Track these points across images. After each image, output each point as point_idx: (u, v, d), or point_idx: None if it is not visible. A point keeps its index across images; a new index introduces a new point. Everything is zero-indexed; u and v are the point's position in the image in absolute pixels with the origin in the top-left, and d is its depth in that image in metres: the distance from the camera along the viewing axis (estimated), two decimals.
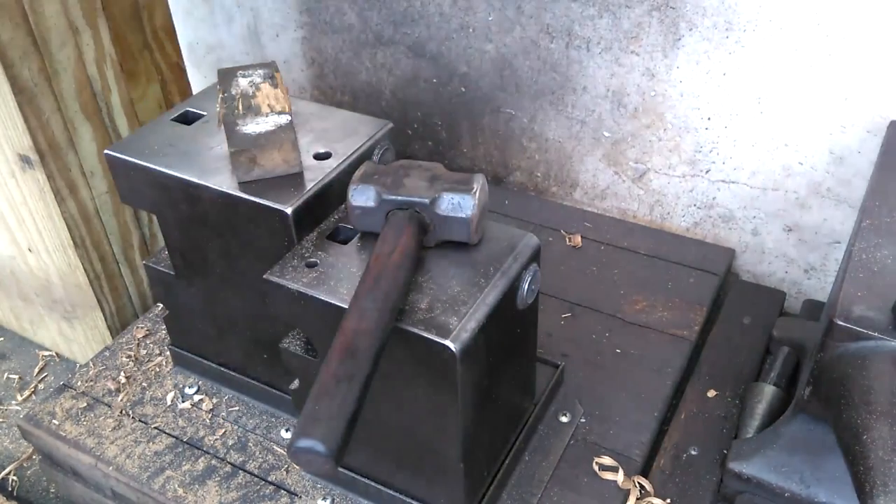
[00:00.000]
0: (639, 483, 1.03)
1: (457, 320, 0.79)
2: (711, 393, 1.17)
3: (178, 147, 1.01)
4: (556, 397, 1.13)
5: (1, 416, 1.52)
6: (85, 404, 1.19)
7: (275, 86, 0.97)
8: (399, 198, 0.84)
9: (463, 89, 1.54)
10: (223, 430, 1.13)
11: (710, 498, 1.03)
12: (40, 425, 1.16)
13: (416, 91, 1.60)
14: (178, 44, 1.48)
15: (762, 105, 1.27)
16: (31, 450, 1.42)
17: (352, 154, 0.99)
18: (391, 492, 0.99)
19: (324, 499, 1.03)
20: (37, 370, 1.60)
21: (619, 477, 1.03)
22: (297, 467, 1.07)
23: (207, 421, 1.15)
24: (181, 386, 1.20)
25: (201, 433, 1.13)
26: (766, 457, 0.97)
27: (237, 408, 1.17)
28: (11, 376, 1.60)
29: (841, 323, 0.83)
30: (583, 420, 1.11)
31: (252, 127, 0.92)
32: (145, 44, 1.41)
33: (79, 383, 1.22)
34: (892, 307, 0.82)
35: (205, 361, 1.19)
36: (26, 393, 1.56)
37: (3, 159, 1.30)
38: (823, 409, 0.90)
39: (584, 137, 1.46)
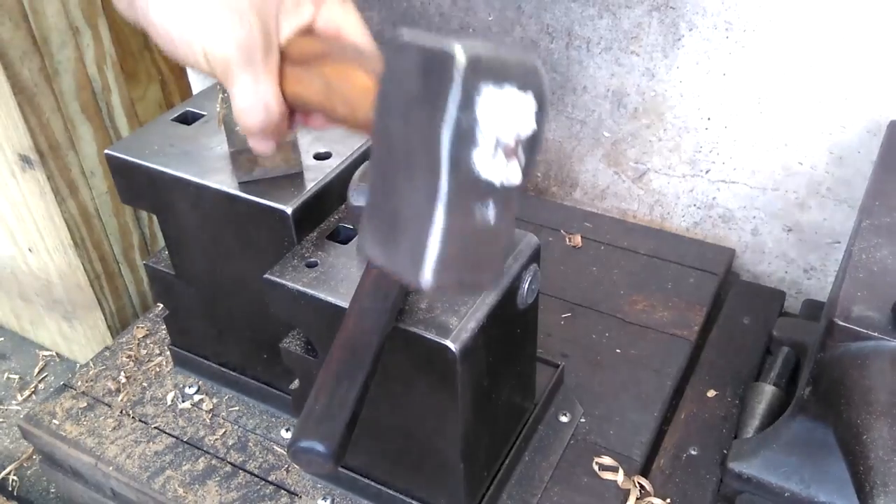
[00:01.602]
0: (639, 483, 1.03)
1: (457, 320, 0.80)
2: (711, 393, 1.17)
3: (179, 147, 1.01)
4: (556, 397, 1.13)
5: (1, 416, 1.52)
6: (85, 404, 1.19)
7: None
8: None
9: None
10: (223, 430, 1.13)
11: (710, 498, 1.03)
12: (40, 425, 1.16)
13: None
14: None
15: (762, 105, 1.27)
16: (31, 450, 1.43)
17: (352, 154, 0.99)
18: (391, 491, 0.99)
19: (324, 499, 1.03)
20: (37, 370, 1.60)
21: (619, 477, 1.03)
22: (298, 467, 1.07)
23: (207, 421, 1.15)
24: (181, 386, 1.20)
25: (201, 433, 1.13)
26: (766, 457, 0.97)
27: (237, 408, 1.17)
28: (11, 376, 1.60)
29: (841, 323, 0.83)
30: (583, 420, 1.11)
31: None
32: (145, 44, 1.41)
33: (79, 383, 1.22)
34: (891, 307, 0.82)
35: (205, 361, 1.19)
36: (26, 393, 1.56)
37: (3, 159, 1.30)
38: (823, 409, 0.90)
39: (584, 137, 1.47)
